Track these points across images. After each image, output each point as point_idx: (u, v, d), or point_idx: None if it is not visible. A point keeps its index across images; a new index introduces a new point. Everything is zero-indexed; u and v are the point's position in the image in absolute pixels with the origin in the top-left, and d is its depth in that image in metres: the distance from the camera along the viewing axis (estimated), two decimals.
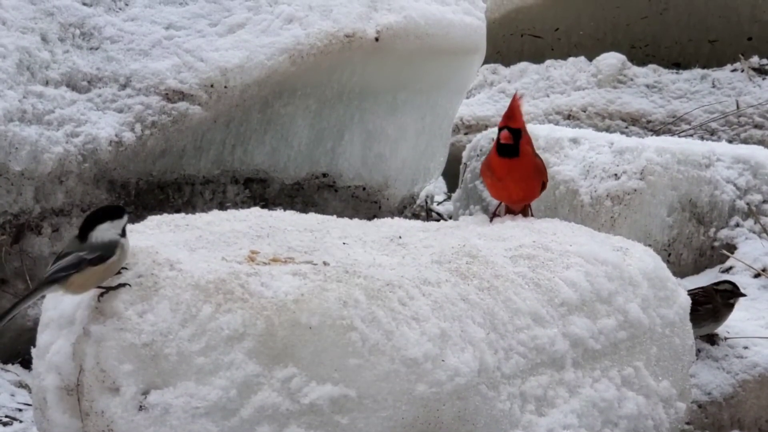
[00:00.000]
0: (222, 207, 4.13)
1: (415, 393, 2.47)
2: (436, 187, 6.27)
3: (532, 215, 3.54)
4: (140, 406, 2.35)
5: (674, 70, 7.26)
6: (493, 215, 3.49)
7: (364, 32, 4.37)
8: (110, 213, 2.51)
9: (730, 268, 4.64)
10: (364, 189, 4.79)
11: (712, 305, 3.76)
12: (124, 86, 4.01)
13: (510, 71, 7.47)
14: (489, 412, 2.58)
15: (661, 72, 7.19)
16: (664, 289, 3.08)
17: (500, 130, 3.34)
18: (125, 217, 2.52)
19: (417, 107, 4.89)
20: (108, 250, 2.45)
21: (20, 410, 3.55)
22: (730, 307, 3.81)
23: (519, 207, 3.51)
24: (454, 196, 5.12)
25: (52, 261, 2.48)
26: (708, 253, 4.72)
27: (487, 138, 4.94)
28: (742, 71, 7.11)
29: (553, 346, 2.75)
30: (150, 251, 2.54)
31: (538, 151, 4.37)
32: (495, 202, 3.64)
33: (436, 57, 4.74)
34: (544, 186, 3.49)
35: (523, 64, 7.47)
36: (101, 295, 2.46)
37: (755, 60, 7.22)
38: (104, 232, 2.47)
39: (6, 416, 3.47)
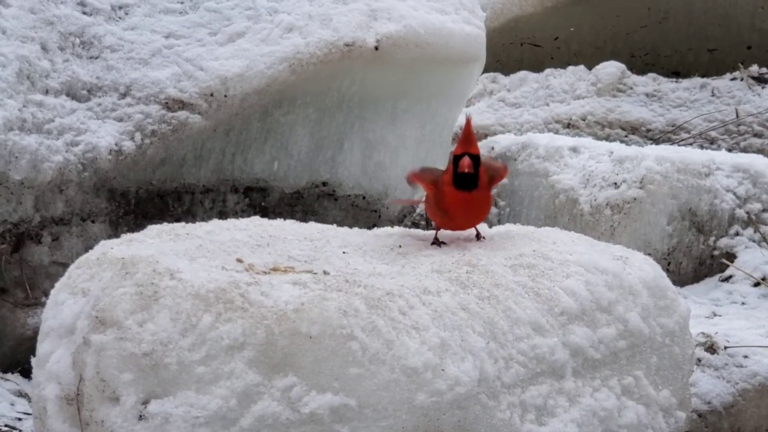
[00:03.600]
0: (222, 216, 4.13)
1: (416, 402, 2.46)
2: None
3: (483, 237, 3.09)
4: (140, 416, 2.35)
5: (674, 79, 7.26)
6: (435, 241, 3.04)
7: (364, 41, 4.37)
8: None
9: (730, 277, 4.64)
10: (364, 198, 4.79)
11: None
12: (123, 95, 4.01)
13: (509, 80, 7.48)
14: (489, 421, 2.58)
15: (661, 81, 7.19)
16: (664, 298, 3.07)
17: (457, 157, 2.89)
18: None
19: (417, 116, 4.89)
20: None
21: (20, 419, 3.54)
22: None
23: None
24: None
25: None
26: (708, 262, 4.73)
27: (485, 146, 4.94)
28: (742, 80, 7.11)
29: (553, 356, 2.75)
30: (150, 260, 2.54)
31: (537, 159, 4.38)
32: None
33: (436, 66, 4.74)
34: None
35: (522, 73, 7.48)
36: None
37: (755, 69, 7.22)
38: None
39: (5, 425, 3.47)
